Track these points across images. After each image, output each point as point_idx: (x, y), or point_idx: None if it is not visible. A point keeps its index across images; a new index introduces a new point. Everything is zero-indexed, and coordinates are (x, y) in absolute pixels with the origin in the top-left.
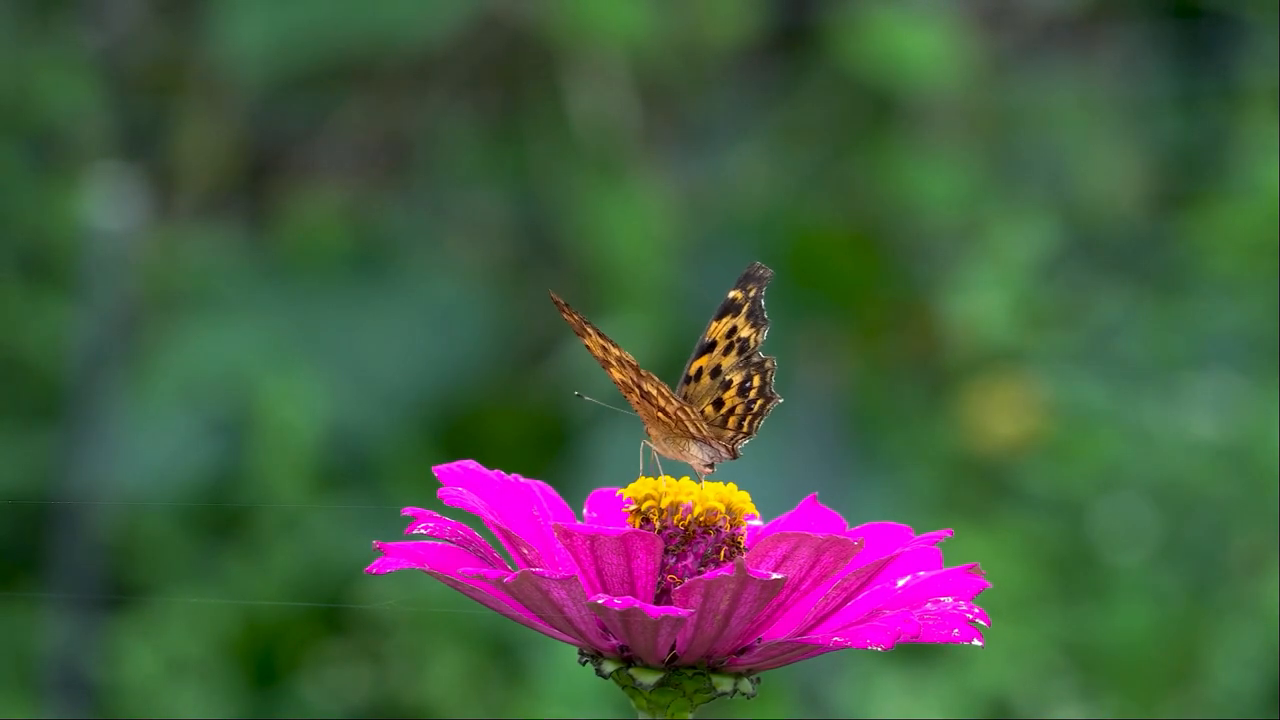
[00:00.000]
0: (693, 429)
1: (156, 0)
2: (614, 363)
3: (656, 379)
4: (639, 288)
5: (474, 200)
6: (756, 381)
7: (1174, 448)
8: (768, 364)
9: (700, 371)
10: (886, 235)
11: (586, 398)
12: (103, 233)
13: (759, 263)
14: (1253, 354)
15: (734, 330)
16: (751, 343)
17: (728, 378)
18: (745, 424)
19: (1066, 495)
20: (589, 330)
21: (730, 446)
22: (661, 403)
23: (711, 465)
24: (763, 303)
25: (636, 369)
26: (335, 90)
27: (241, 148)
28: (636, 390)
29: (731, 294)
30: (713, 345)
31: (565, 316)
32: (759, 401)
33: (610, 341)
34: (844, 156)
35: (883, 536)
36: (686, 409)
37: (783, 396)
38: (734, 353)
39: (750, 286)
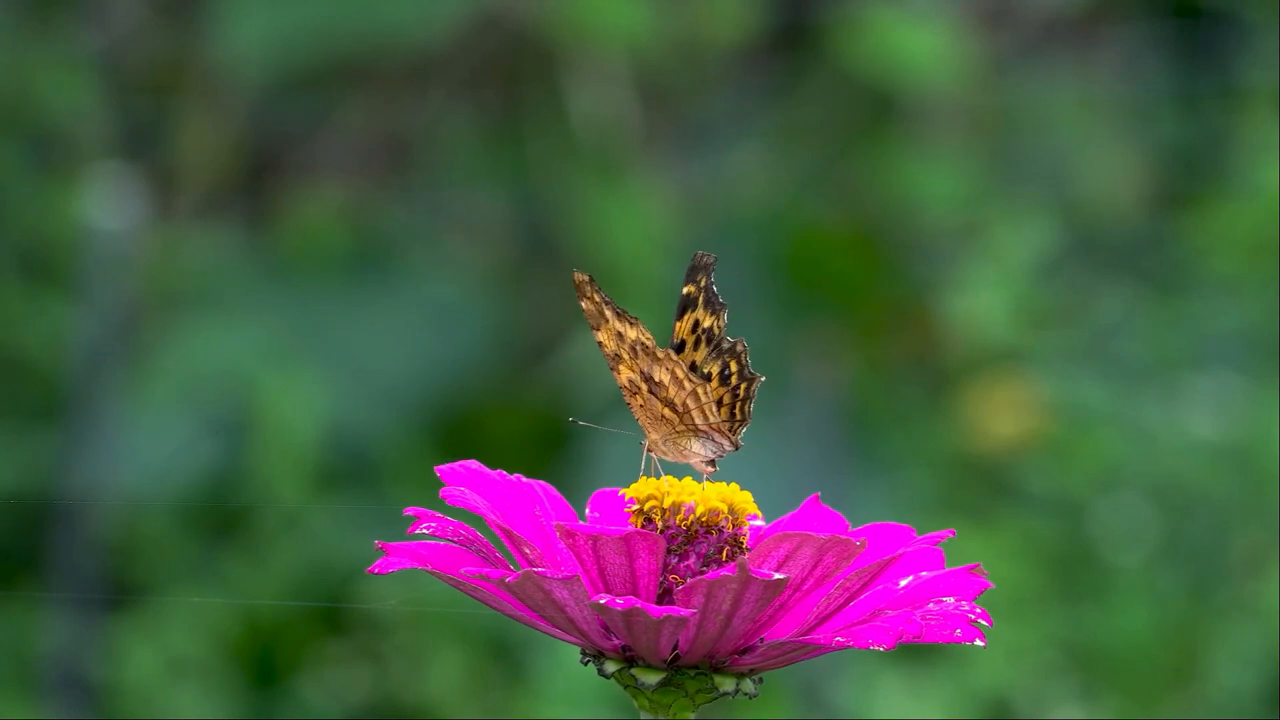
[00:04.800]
0: (709, 412)
1: (156, 0)
2: (625, 355)
3: (674, 357)
4: (639, 288)
5: (474, 200)
6: (734, 366)
7: (1174, 448)
8: (739, 347)
9: None
10: (887, 235)
11: (581, 422)
12: (103, 233)
13: (701, 251)
14: (1253, 354)
15: (697, 324)
16: (715, 330)
17: (705, 370)
18: (738, 410)
19: (1066, 495)
20: (607, 314)
21: (732, 437)
22: (673, 392)
23: (713, 463)
24: (715, 288)
25: (653, 351)
26: (335, 90)
27: (241, 148)
28: (642, 390)
29: (685, 290)
30: (682, 345)
31: (584, 303)
32: (742, 385)
33: (630, 321)
34: (844, 156)
35: (885, 536)
36: (702, 385)
37: (768, 383)
38: (704, 345)
39: (699, 277)
